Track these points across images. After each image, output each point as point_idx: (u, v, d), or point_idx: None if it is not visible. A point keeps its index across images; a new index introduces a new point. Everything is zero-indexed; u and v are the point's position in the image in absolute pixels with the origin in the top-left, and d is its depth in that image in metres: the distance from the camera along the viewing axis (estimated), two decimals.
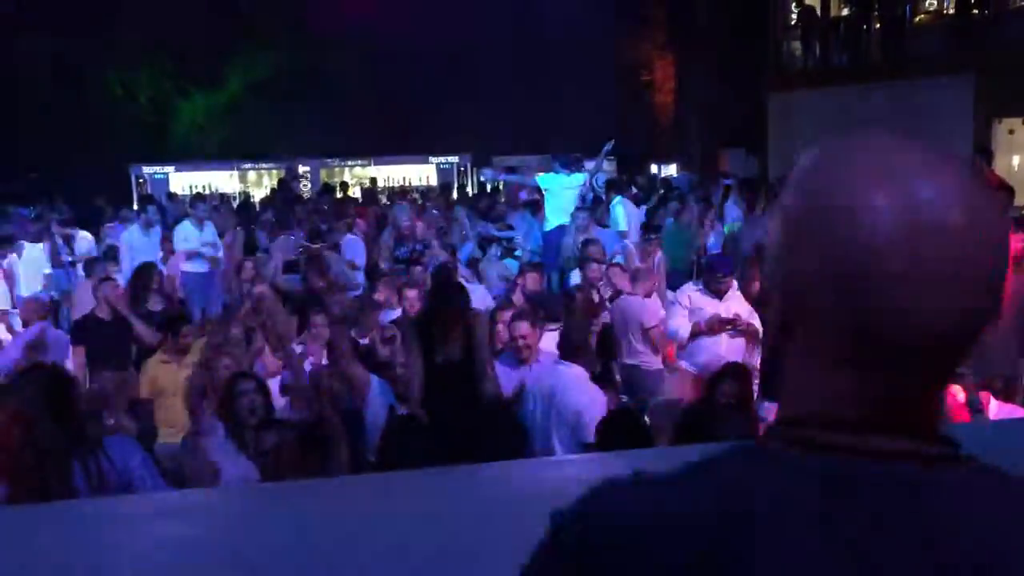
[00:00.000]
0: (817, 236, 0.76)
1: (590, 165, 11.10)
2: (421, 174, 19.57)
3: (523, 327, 5.44)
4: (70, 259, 10.78)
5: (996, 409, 4.66)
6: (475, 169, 19.68)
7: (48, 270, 10.20)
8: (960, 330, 0.75)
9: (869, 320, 0.74)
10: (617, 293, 7.04)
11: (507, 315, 5.93)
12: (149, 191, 17.65)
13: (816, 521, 0.75)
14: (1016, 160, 13.73)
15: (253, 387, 4.39)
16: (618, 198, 11.25)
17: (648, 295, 6.94)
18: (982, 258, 0.74)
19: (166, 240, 10.19)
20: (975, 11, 14.90)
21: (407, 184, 18.80)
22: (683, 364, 6.20)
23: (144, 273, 7.64)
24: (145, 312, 7.04)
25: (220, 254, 9.82)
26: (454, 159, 19.70)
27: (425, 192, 17.44)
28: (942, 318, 0.74)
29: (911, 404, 0.78)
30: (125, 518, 2.34)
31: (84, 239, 11.26)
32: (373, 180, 18.60)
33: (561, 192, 10.07)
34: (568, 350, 5.22)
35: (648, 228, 9.71)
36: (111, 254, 10.22)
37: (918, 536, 0.74)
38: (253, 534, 2.13)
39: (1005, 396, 4.94)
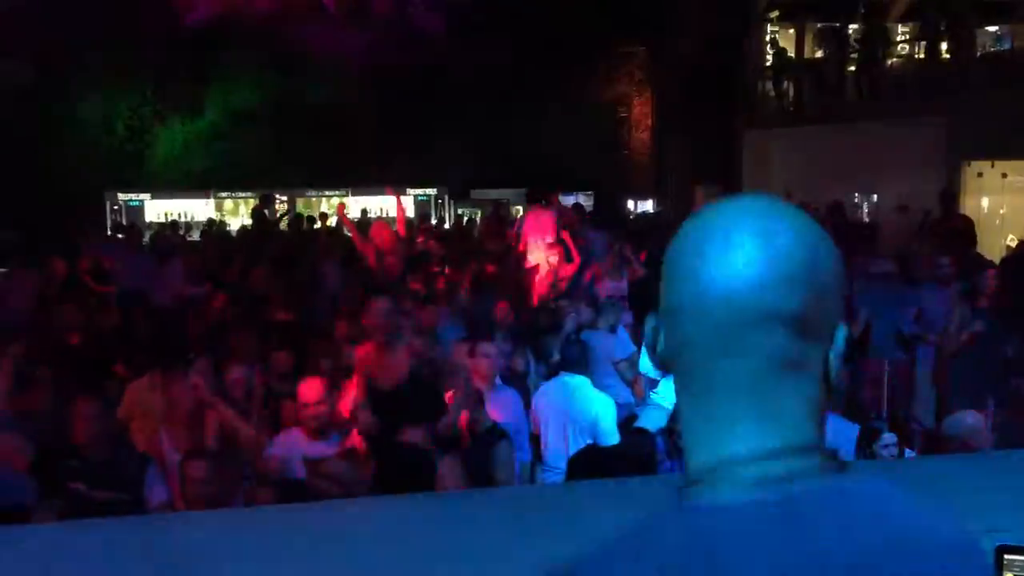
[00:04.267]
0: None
1: (568, 200, 11.21)
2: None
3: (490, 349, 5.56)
4: None
5: None
6: (452, 202, 19.74)
7: None
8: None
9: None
10: (582, 327, 7.10)
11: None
12: (123, 218, 17.55)
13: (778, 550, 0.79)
14: (985, 202, 13.96)
15: None
16: (598, 233, 11.36)
17: (613, 329, 7.00)
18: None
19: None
20: (945, 56, 15.21)
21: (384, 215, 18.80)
22: (655, 399, 6.23)
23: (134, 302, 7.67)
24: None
25: None
26: (432, 191, 19.75)
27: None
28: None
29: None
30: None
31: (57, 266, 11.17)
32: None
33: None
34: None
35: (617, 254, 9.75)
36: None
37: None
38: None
39: None
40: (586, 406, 5.40)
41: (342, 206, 10.15)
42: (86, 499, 3.94)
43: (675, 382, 0.92)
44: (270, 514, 3.10)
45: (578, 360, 5.64)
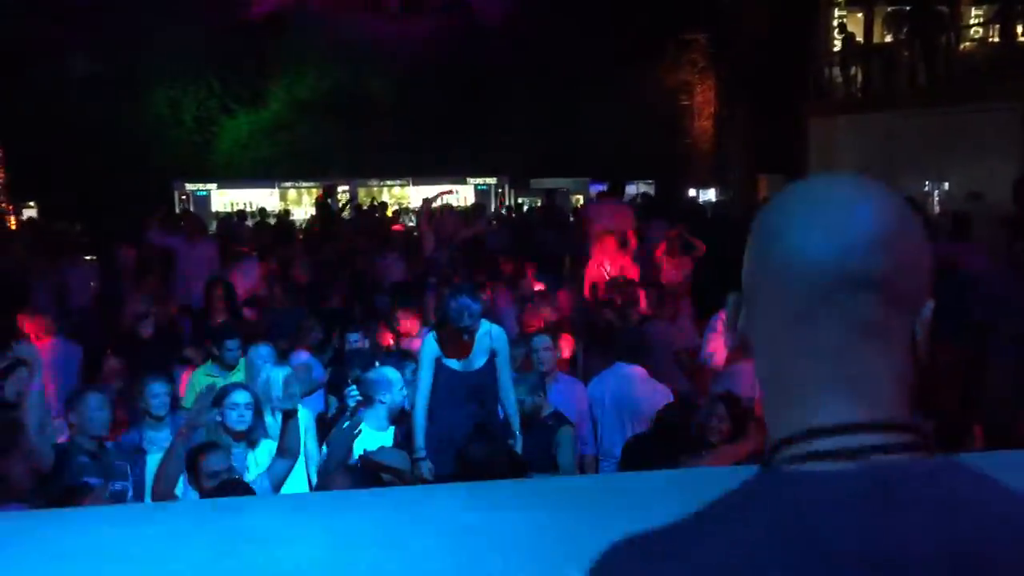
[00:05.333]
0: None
1: (629, 189, 11.12)
2: (459, 195, 19.67)
3: (545, 341, 5.57)
4: None
5: None
6: (512, 190, 19.73)
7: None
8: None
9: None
10: (644, 317, 7.06)
11: None
12: (191, 208, 17.89)
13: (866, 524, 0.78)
14: None
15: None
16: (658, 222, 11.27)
17: (674, 318, 6.95)
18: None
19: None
20: (1021, 39, 14.73)
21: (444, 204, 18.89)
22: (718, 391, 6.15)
23: (211, 287, 7.75)
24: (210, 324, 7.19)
25: None
26: (492, 180, 19.77)
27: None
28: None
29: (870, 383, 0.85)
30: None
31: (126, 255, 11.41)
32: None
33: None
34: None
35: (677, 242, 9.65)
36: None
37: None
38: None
39: None
40: (642, 395, 5.40)
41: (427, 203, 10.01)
42: (99, 493, 3.95)
43: (757, 356, 0.91)
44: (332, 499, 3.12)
45: (634, 349, 5.65)
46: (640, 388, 5.48)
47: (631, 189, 17.98)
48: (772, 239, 0.88)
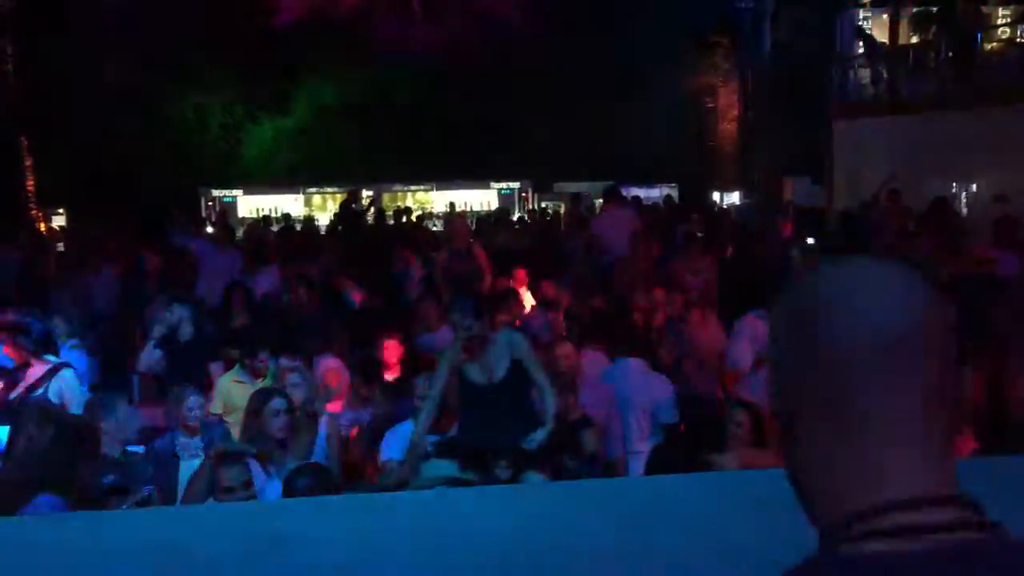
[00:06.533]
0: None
1: (652, 192, 11.07)
2: (482, 199, 19.72)
3: (567, 348, 5.55)
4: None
5: None
6: (535, 195, 19.74)
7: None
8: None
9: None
10: (670, 320, 7.06)
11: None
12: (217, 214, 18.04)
13: None
14: None
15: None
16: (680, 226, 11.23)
17: (701, 322, 6.94)
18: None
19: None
20: None
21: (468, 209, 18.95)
22: (744, 395, 6.12)
23: (232, 291, 7.83)
24: (231, 329, 7.23)
25: None
26: (515, 184, 19.80)
27: (483, 218, 17.51)
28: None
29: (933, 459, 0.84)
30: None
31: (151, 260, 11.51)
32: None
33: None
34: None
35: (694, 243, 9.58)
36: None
37: None
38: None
39: None
40: (642, 387, 5.50)
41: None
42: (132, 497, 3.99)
43: (811, 418, 0.89)
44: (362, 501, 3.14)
45: (632, 343, 5.74)
46: (639, 380, 5.56)
47: (655, 192, 17.97)
48: (822, 313, 0.87)
